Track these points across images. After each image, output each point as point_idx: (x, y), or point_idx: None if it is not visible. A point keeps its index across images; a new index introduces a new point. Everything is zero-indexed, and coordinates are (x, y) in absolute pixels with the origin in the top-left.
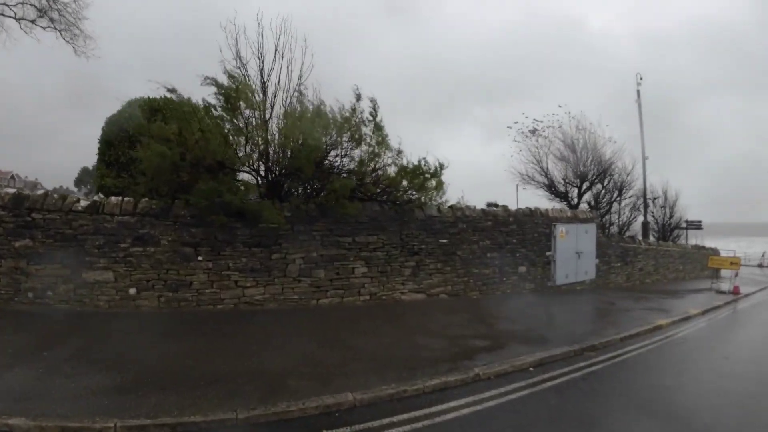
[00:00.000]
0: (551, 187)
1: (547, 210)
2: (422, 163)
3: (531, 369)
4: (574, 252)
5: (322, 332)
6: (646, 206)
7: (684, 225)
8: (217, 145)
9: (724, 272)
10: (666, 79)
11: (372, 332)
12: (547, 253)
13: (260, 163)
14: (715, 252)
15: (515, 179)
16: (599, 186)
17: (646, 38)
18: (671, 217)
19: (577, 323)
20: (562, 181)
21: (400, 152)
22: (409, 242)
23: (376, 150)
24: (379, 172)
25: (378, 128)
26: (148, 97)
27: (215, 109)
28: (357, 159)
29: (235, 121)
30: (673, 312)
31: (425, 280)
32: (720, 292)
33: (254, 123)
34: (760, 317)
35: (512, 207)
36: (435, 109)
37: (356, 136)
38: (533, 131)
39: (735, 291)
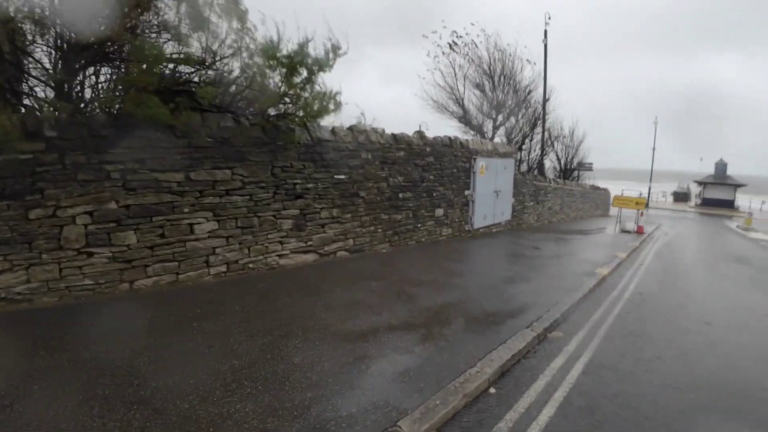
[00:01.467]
0: (465, 118)
1: (467, 141)
2: (307, 46)
3: (492, 390)
4: (493, 191)
5: (105, 359)
6: (543, 146)
7: (572, 166)
8: None
9: (614, 211)
10: (556, 37)
11: (209, 347)
12: (466, 192)
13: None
14: (606, 192)
15: (427, 107)
16: (513, 120)
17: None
18: (574, 157)
19: (516, 282)
20: (477, 112)
21: (278, 41)
22: (288, 180)
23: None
24: (231, 64)
25: None
26: None
27: None
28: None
29: None
30: (603, 256)
31: (316, 234)
32: (625, 231)
33: None
34: (684, 259)
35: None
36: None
37: None
38: (452, 45)
39: (639, 230)
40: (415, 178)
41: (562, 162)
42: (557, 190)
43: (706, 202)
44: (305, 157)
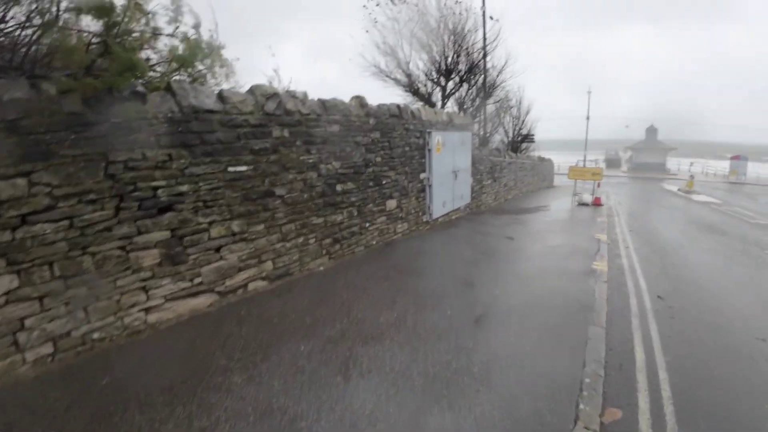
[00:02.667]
0: (412, 86)
1: (419, 110)
2: None
3: None
4: (451, 171)
5: None
6: (485, 117)
7: (519, 138)
8: None
9: (557, 181)
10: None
11: None
12: (422, 176)
13: None
14: (550, 163)
15: (366, 76)
16: (463, 89)
17: None
18: (521, 129)
19: (515, 310)
20: (425, 78)
21: None
22: (141, 182)
23: None
24: None
25: None
26: None
27: None
28: None
29: None
30: (585, 241)
31: (207, 265)
32: (583, 203)
33: None
34: (660, 235)
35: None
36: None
37: None
38: None
39: (596, 202)
40: (357, 161)
41: (510, 135)
42: (512, 164)
43: (638, 167)
44: (171, 142)
